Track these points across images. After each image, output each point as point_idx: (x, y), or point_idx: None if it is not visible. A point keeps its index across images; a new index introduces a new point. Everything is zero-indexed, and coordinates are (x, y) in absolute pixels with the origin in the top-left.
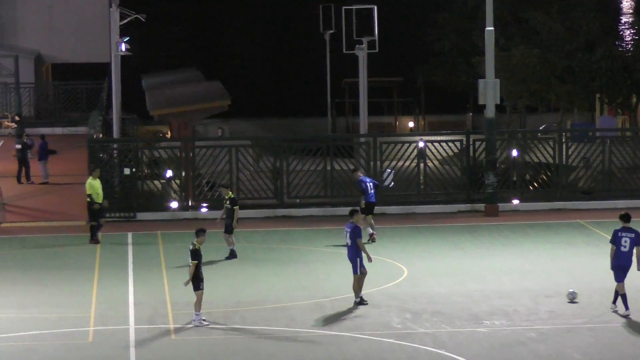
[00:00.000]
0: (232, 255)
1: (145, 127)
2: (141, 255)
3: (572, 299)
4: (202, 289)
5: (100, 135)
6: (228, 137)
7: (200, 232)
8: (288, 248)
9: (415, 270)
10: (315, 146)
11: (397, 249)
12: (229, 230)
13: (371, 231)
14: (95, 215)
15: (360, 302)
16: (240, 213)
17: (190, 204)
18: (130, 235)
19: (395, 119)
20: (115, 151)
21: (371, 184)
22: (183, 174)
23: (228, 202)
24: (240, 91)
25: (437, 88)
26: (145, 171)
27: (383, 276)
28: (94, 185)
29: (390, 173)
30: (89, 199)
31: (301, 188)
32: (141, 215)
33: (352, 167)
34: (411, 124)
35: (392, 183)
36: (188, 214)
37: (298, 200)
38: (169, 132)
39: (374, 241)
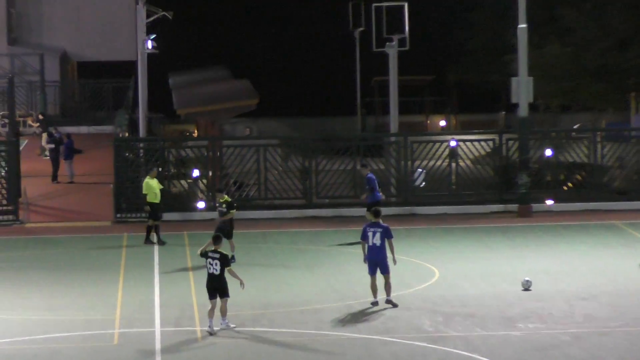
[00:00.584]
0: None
1: (172, 126)
2: (167, 256)
3: (527, 287)
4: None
5: (127, 135)
6: (256, 136)
7: (218, 239)
8: (317, 249)
9: (446, 272)
10: (344, 145)
11: (428, 250)
12: (227, 236)
13: None
14: (155, 215)
15: (389, 302)
16: (269, 213)
17: (217, 204)
18: (155, 236)
19: (426, 118)
20: (141, 150)
21: (375, 182)
22: (210, 173)
23: (225, 205)
24: (269, 90)
25: (469, 86)
26: (172, 171)
27: (414, 278)
28: (151, 185)
29: (421, 173)
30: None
31: (330, 188)
32: (167, 216)
33: (382, 166)
34: (442, 123)
35: (424, 183)
36: (215, 215)
37: (327, 201)
38: (196, 131)
39: None
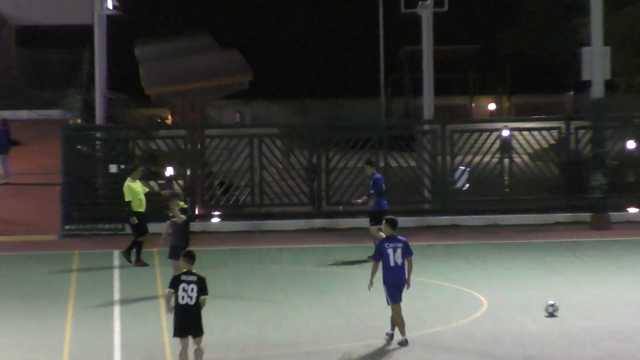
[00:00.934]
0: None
1: (139, 110)
2: (131, 280)
3: (551, 312)
4: None
5: (79, 121)
6: (249, 123)
7: (191, 257)
8: (327, 271)
9: (498, 302)
10: (364, 136)
11: (474, 273)
12: (176, 254)
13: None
14: (140, 229)
15: (392, 336)
16: (265, 224)
17: (197, 212)
18: (116, 253)
19: (471, 100)
20: (98, 142)
21: (383, 185)
22: (188, 172)
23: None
24: (265, 63)
25: (526, 59)
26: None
27: (456, 310)
28: (134, 189)
29: (464, 172)
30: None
31: (345, 192)
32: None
33: (412, 163)
34: (492, 107)
35: (467, 185)
36: (195, 226)
37: (341, 208)
38: (170, 117)
39: None
